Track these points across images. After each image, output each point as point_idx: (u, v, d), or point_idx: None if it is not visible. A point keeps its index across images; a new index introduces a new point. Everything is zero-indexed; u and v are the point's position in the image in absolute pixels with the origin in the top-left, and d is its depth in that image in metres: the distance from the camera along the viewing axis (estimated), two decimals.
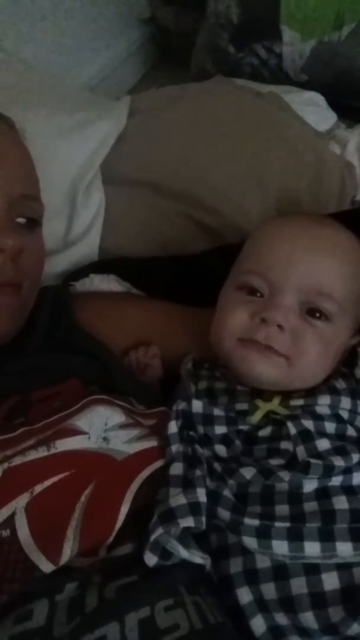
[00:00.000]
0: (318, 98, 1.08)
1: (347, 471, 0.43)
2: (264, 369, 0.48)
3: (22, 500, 0.41)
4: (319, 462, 0.43)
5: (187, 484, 0.44)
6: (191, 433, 0.49)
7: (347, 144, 0.98)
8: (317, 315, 0.49)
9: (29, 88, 0.88)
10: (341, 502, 0.42)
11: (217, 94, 0.94)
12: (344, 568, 0.39)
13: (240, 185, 0.83)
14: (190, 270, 0.75)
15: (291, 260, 0.49)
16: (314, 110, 1.04)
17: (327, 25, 1.10)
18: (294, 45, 1.14)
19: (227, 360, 0.51)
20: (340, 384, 0.51)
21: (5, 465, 0.43)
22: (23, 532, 0.39)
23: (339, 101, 1.11)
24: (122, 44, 1.48)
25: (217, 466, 0.46)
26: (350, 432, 0.48)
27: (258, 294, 0.51)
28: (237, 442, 0.48)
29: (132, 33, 1.52)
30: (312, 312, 0.49)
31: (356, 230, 0.54)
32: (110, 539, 0.41)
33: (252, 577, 0.40)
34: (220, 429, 0.49)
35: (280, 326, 0.48)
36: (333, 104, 1.09)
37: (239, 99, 0.93)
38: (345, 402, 0.49)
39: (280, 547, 0.40)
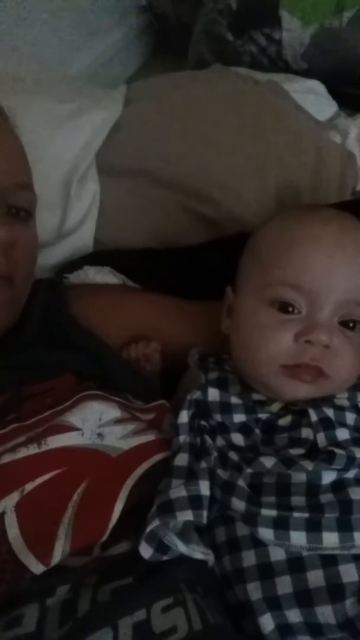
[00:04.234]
0: (318, 86, 1.06)
1: None
2: (307, 392, 0.47)
3: (12, 499, 0.40)
4: (343, 452, 0.42)
5: (190, 475, 0.43)
6: (202, 423, 0.48)
7: (347, 133, 0.97)
8: (351, 325, 0.47)
9: (22, 77, 0.86)
10: (357, 493, 0.41)
11: (215, 83, 0.92)
12: None
13: (238, 174, 0.81)
14: (187, 263, 0.74)
15: (331, 272, 0.46)
16: (314, 98, 1.02)
17: (328, 10, 1.08)
18: (293, 32, 1.12)
19: (264, 383, 0.49)
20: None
21: None
22: (13, 532, 0.39)
23: (339, 90, 1.09)
24: (119, 32, 1.46)
25: (232, 455, 0.45)
26: None
27: (293, 310, 0.47)
28: (257, 431, 0.47)
29: (129, 21, 1.49)
30: (346, 322, 0.47)
31: None
32: (104, 537, 0.40)
33: (265, 570, 0.39)
34: (239, 417, 0.47)
35: (326, 346, 0.46)
36: (334, 92, 1.07)
37: (237, 87, 0.92)
38: None
39: (298, 538, 0.39)
